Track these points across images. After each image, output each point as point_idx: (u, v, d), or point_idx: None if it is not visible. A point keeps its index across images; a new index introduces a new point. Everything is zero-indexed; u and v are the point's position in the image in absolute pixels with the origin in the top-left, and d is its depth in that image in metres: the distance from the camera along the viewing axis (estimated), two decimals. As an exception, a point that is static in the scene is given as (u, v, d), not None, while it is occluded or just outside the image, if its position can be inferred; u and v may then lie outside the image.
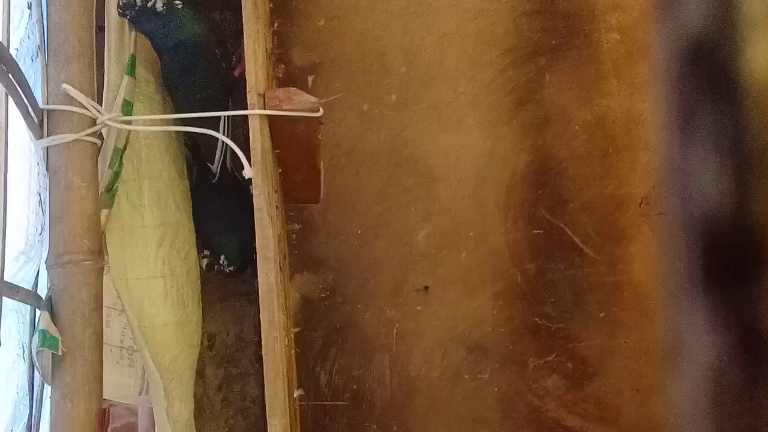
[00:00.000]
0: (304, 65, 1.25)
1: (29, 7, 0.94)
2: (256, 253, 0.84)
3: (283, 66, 1.24)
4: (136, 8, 0.92)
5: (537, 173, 1.25)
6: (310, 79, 1.25)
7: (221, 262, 1.04)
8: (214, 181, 1.01)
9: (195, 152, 1.02)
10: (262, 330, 0.82)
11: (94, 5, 0.87)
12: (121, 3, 0.92)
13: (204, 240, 1.04)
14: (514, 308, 1.23)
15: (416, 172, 1.24)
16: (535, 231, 1.24)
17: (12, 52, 0.79)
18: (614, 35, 1.25)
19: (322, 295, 1.20)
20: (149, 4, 0.92)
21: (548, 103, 1.25)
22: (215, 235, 1.05)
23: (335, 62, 1.24)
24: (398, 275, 1.21)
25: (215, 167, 0.99)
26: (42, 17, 0.85)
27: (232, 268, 1.05)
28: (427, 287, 1.22)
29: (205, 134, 0.93)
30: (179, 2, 0.95)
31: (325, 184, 1.10)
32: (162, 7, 0.93)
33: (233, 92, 1.00)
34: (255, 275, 0.84)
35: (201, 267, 1.03)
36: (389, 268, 1.21)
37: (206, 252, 1.05)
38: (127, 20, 0.94)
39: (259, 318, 0.83)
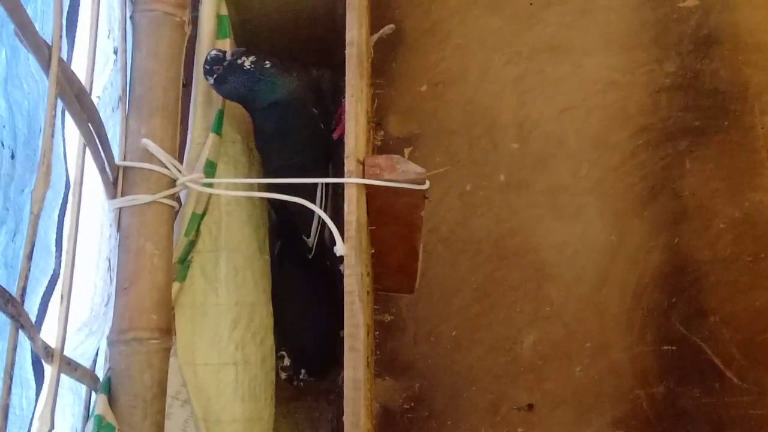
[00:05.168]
0: (402, 135, 1.14)
1: (114, 53, 0.87)
2: (338, 350, 0.73)
3: (382, 132, 1.14)
4: (225, 63, 0.85)
5: (671, 277, 1.08)
6: (407, 151, 1.13)
7: (301, 376, 0.93)
8: (310, 257, 0.90)
9: (283, 223, 0.93)
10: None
11: (183, 56, 0.79)
12: (208, 58, 0.85)
13: (280, 331, 0.93)
14: (637, 437, 1.04)
15: (525, 266, 1.09)
16: (665, 347, 1.06)
17: (94, 99, 0.72)
18: (771, 119, 1.09)
19: (405, 406, 1.05)
20: (238, 61, 0.84)
21: (687, 195, 1.09)
22: (295, 323, 0.93)
23: (437, 133, 1.13)
24: (497, 388, 1.05)
25: (311, 240, 0.89)
26: (126, 65, 0.78)
27: (311, 377, 0.94)
28: (531, 405, 1.04)
29: (301, 203, 0.82)
30: (269, 62, 0.86)
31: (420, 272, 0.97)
32: (250, 65, 0.85)
33: (333, 157, 0.90)
34: (337, 370, 0.71)
35: (277, 373, 0.92)
36: (487, 379, 1.05)
37: (286, 360, 0.93)
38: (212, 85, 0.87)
39: (339, 423, 0.70)
